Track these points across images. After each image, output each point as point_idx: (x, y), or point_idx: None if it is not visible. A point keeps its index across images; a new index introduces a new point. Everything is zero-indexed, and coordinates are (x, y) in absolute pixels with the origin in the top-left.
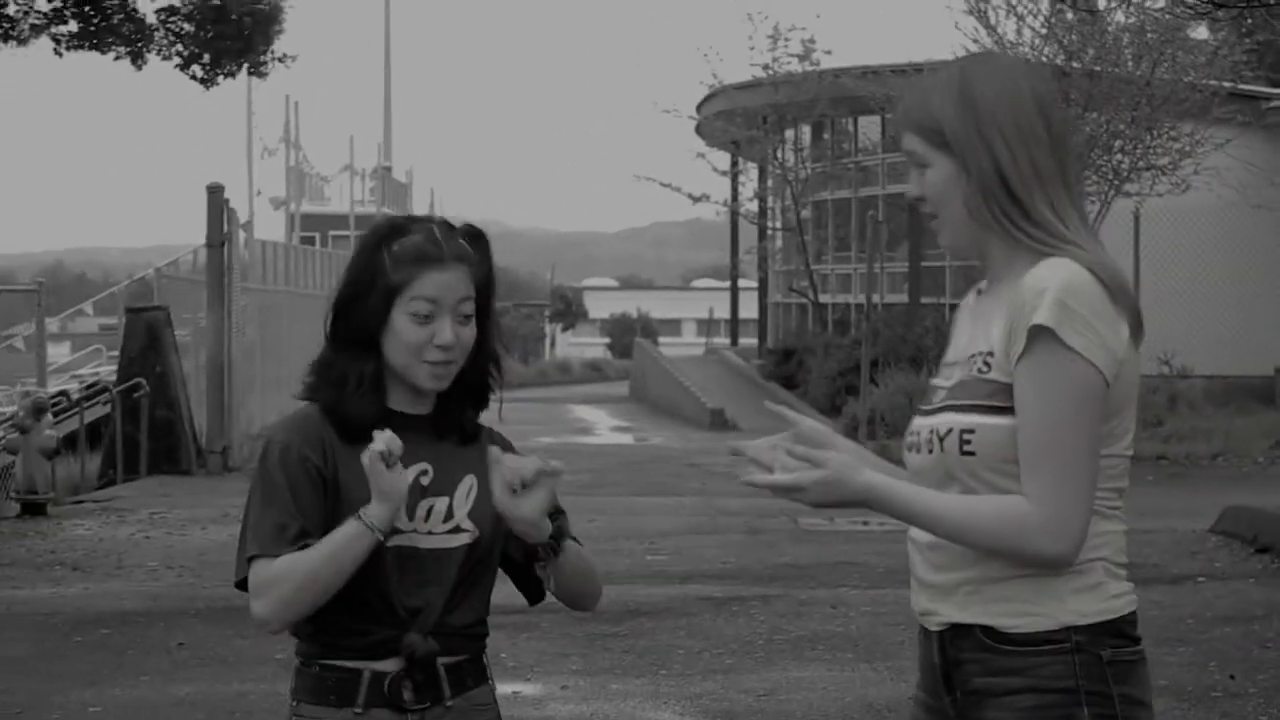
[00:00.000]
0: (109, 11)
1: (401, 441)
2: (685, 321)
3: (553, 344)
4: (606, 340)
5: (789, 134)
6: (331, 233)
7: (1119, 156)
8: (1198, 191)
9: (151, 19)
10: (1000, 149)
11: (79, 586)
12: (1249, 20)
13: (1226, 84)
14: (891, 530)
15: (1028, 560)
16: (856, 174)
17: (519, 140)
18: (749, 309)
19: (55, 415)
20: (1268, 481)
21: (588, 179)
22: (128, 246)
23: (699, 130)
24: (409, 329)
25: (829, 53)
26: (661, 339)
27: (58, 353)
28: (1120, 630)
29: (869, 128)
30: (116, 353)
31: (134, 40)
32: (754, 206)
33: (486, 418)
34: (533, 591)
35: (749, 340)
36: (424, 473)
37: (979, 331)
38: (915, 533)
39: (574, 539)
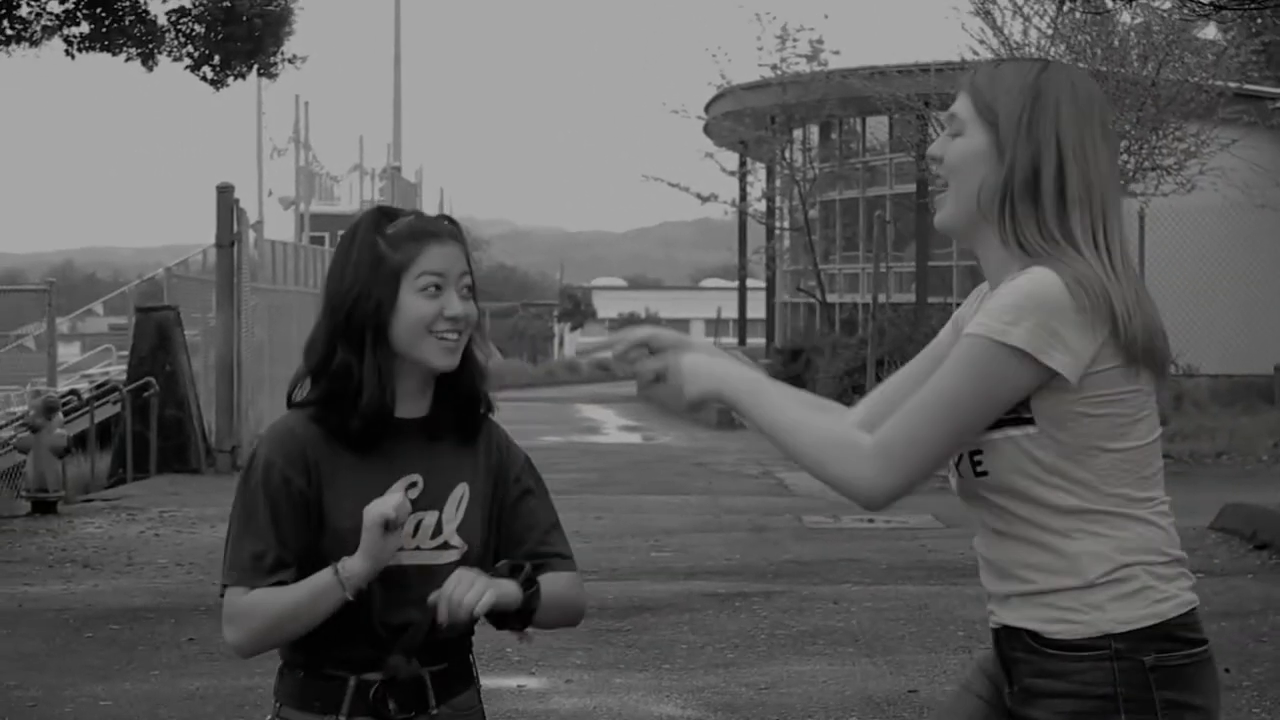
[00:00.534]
0: (120, 13)
1: (406, 500)
2: (694, 321)
3: (561, 343)
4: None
5: (797, 134)
6: (341, 233)
7: (1124, 157)
8: (1203, 192)
9: (162, 20)
10: (1049, 154)
11: (90, 584)
12: (1258, 20)
13: (1233, 84)
14: (896, 528)
15: (836, 479)
16: (864, 174)
17: (528, 140)
18: (757, 309)
19: (66, 414)
20: (1270, 479)
21: (596, 179)
22: (138, 246)
23: (707, 130)
24: (419, 304)
25: (837, 53)
26: None
27: (68, 352)
28: (1169, 634)
29: (876, 128)
30: (126, 352)
31: (145, 41)
32: (762, 206)
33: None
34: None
35: (757, 340)
36: (413, 485)
37: None
38: (976, 542)
39: (533, 583)
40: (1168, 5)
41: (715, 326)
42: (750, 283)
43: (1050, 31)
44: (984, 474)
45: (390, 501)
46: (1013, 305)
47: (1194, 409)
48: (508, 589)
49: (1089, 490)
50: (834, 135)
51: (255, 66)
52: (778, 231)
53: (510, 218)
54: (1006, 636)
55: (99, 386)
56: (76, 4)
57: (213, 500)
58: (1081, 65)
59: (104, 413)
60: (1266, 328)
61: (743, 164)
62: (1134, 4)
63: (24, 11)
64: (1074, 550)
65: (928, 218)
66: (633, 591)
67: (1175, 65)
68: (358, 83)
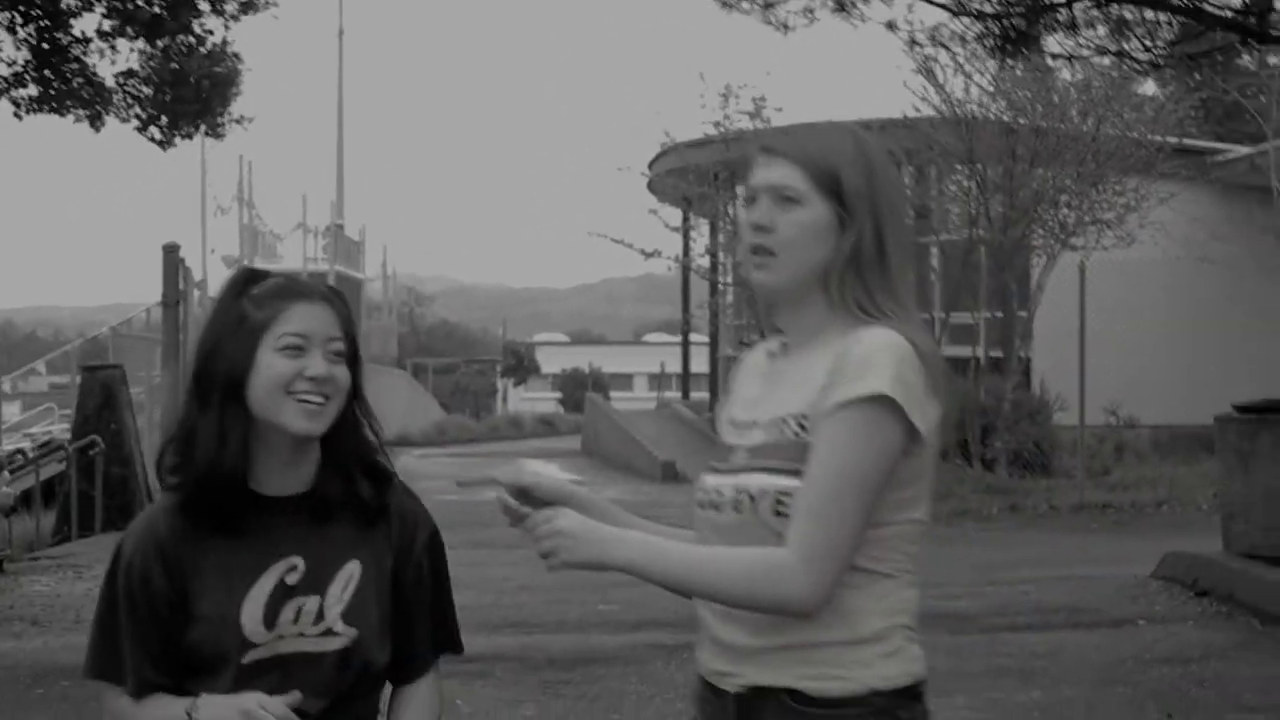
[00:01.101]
0: (68, 75)
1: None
2: (637, 376)
3: (504, 399)
4: (558, 395)
5: (740, 190)
6: None
7: (1065, 211)
8: (1143, 245)
9: (110, 82)
10: (887, 221)
11: (39, 641)
12: (1195, 76)
13: (1171, 139)
14: None
15: (773, 604)
16: None
17: (471, 198)
18: (700, 363)
19: (11, 473)
20: (1210, 528)
21: (539, 235)
22: (79, 305)
23: (651, 187)
24: (277, 362)
25: (780, 110)
26: (613, 393)
27: (9, 411)
28: (916, 694)
29: None
30: (69, 411)
31: (92, 103)
32: (705, 262)
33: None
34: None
35: (700, 394)
36: (291, 569)
37: (786, 393)
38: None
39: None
40: (1106, 62)
41: (659, 381)
42: (694, 337)
43: (991, 88)
44: (784, 515)
45: (270, 707)
46: (885, 364)
47: (1134, 459)
48: None
49: (878, 549)
50: None
51: (203, 127)
52: (721, 286)
53: (453, 274)
54: (752, 699)
55: (42, 445)
56: (25, 66)
57: None
58: (1022, 121)
59: (48, 471)
60: (1205, 379)
61: (686, 220)
62: (1074, 61)
63: None
64: (850, 605)
65: None
66: (581, 644)
67: (1115, 120)
68: (301, 141)
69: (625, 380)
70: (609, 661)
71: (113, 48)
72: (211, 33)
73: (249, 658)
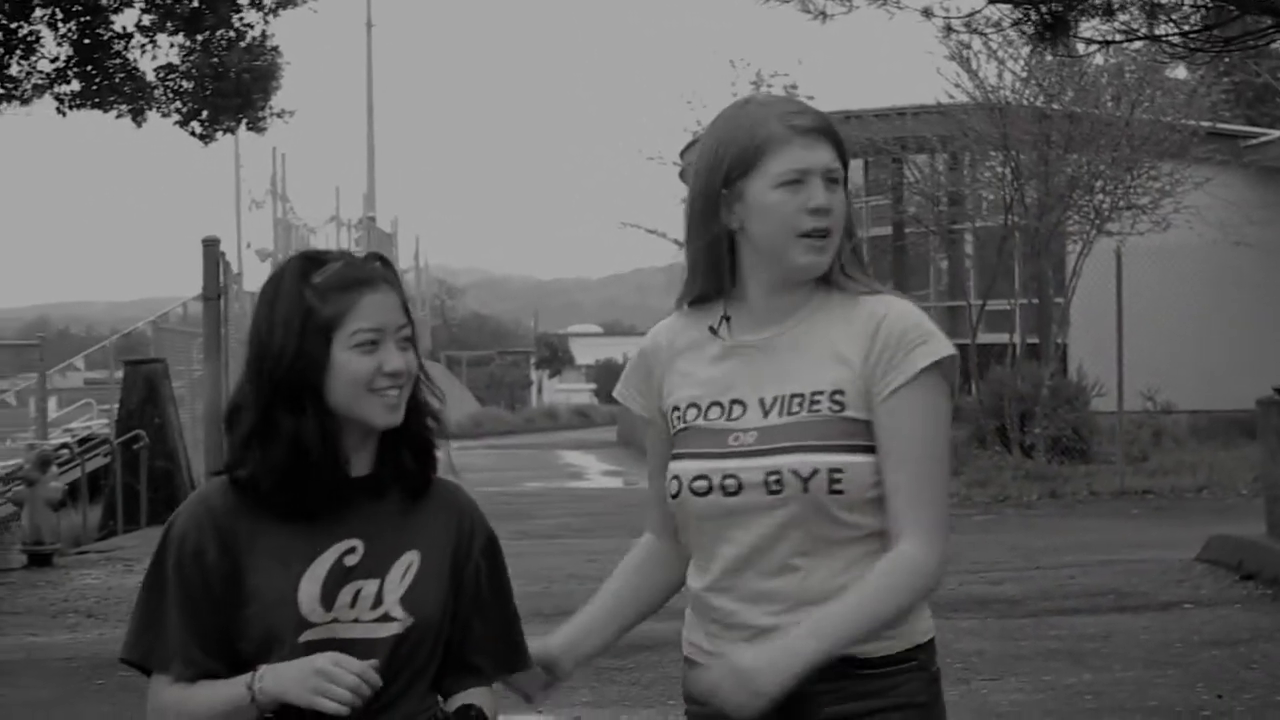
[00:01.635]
0: (110, 70)
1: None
2: None
3: (539, 390)
4: (593, 386)
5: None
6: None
7: (1100, 196)
8: (1178, 230)
9: (151, 77)
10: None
11: (95, 633)
12: (1226, 60)
13: (1205, 123)
14: None
15: (920, 600)
16: None
17: (502, 188)
18: None
19: (57, 467)
20: (1251, 513)
21: (570, 226)
22: (112, 300)
23: (682, 176)
24: (355, 361)
25: (811, 98)
26: None
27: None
28: (933, 647)
29: (852, 171)
30: (107, 406)
31: (135, 98)
32: None
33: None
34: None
35: None
36: (350, 551)
37: (795, 369)
38: (753, 583)
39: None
40: (1137, 46)
41: None
42: None
43: (1024, 74)
44: (839, 493)
45: (353, 677)
46: (930, 328)
47: (1173, 444)
48: None
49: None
50: None
51: (244, 121)
52: None
53: (484, 266)
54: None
55: (84, 440)
56: (67, 62)
57: None
58: (1055, 107)
59: (90, 465)
60: (1244, 363)
61: None
62: (1108, 47)
63: (15, 70)
64: None
65: (906, 259)
66: (634, 630)
67: (1147, 105)
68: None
69: None
70: (662, 648)
71: (153, 42)
72: (251, 26)
73: (305, 638)
